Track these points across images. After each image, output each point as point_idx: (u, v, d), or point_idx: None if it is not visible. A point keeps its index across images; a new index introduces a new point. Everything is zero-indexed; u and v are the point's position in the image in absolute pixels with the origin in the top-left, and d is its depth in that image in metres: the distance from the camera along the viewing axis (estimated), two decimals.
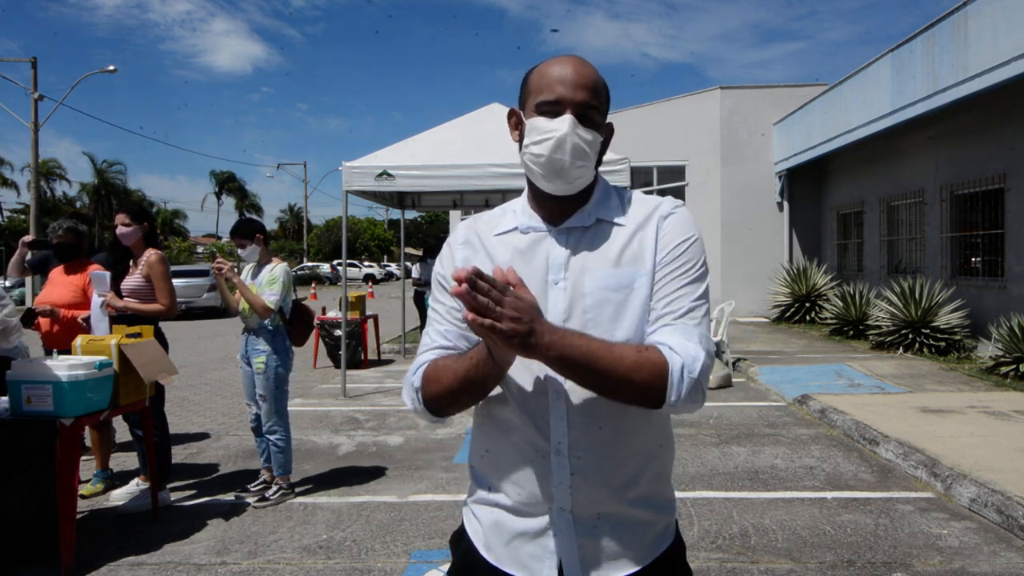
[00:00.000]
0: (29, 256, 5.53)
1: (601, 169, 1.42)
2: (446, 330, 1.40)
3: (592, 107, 1.32)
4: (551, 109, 1.31)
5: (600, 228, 1.36)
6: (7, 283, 16.57)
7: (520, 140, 1.38)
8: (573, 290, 1.31)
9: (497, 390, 1.33)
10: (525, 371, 1.31)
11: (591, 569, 1.32)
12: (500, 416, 1.35)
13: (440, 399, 1.33)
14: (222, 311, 20.86)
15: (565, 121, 1.29)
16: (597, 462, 1.30)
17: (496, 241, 1.40)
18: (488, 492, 1.40)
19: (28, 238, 5.45)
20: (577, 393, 1.29)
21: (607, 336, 1.27)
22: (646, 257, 1.32)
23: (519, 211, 1.41)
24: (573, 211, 1.37)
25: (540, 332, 1.15)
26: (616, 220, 1.36)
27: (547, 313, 1.30)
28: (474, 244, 1.42)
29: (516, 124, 1.40)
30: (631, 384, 1.21)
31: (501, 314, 1.12)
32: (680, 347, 1.23)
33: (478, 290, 1.11)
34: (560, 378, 1.28)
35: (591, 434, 1.29)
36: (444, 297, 1.42)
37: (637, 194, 1.42)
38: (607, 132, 1.39)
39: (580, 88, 1.31)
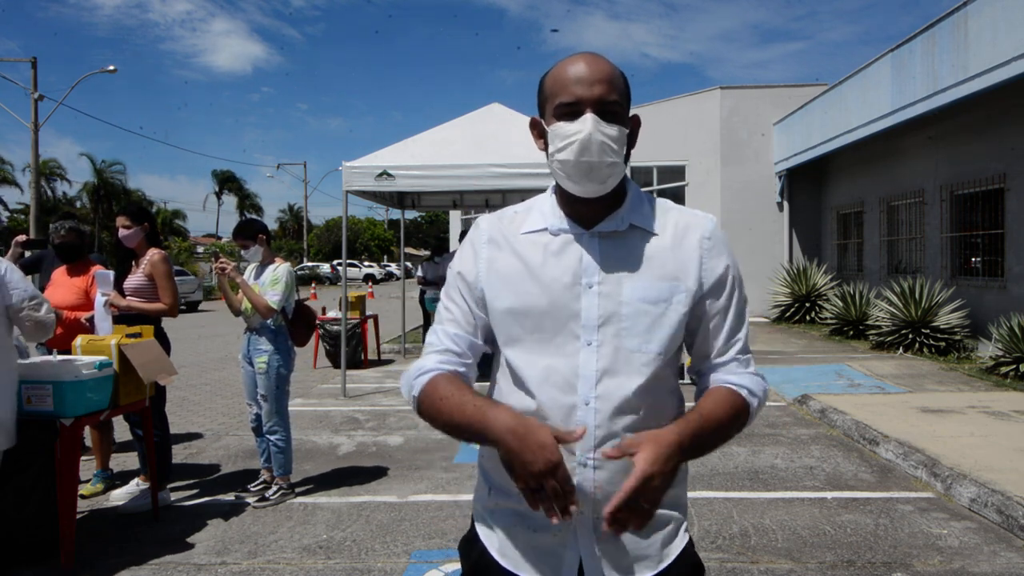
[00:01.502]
0: (27, 255, 5.51)
1: None
2: (457, 335, 1.38)
3: (612, 101, 1.28)
4: (571, 111, 1.28)
5: (635, 235, 1.33)
6: None
7: (546, 148, 1.34)
8: (609, 297, 1.29)
9: (524, 401, 1.31)
10: (552, 387, 1.29)
11: (612, 572, 1.31)
12: None
13: (434, 424, 1.33)
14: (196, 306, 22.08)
15: (587, 121, 1.26)
16: (621, 466, 1.28)
17: (524, 240, 1.36)
18: (502, 496, 1.37)
19: (22, 238, 5.39)
20: (605, 400, 1.28)
21: (641, 347, 1.28)
22: (687, 276, 1.32)
23: (548, 212, 1.37)
24: (605, 214, 1.33)
25: (677, 459, 1.20)
26: (651, 228, 1.34)
27: (579, 317, 1.29)
28: (499, 243, 1.38)
29: (540, 133, 1.36)
30: (729, 435, 1.34)
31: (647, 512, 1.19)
32: (753, 385, 1.35)
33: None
34: (590, 387, 1.28)
35: (617, 440, 1.28)
36: (460, 300, 1.39)
37: (668, 202, 1.40)
38: (633, 124, 1.36)
39: (597, 84, 1.27)
